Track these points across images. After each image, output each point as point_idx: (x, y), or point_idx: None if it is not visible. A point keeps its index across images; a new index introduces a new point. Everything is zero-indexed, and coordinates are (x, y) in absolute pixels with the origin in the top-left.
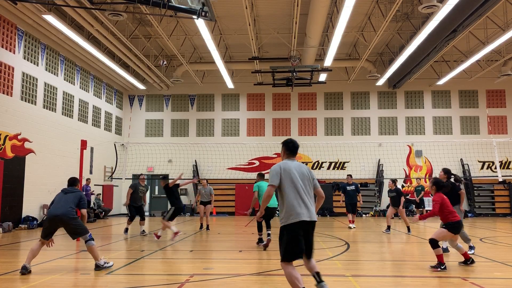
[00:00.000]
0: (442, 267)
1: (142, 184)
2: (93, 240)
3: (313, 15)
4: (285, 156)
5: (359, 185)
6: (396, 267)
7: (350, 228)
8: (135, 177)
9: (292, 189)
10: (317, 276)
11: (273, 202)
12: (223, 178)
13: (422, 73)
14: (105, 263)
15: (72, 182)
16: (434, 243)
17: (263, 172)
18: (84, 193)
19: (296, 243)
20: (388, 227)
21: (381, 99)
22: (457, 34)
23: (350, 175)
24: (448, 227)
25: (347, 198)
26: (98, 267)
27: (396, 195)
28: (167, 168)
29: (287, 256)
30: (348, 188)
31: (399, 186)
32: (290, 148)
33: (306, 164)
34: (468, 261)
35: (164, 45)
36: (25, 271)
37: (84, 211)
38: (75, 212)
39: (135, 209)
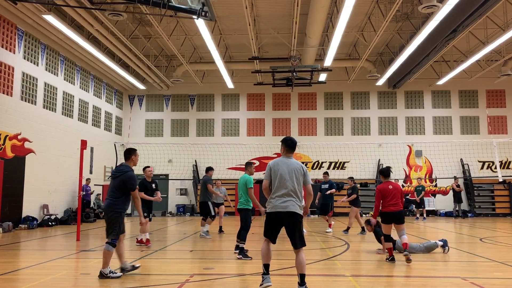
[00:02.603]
0: (389, 259)
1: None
2: (112, 246)
3: (313, 15)
4: (284, 153)
5: (335, 183)
6: (396, 267)
7: (326, 232)
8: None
9: (276, 183)
10: (300, 278)
11: None
12: (223, 178)
13: (422, 73)
14: (110, 272)
15: (125, 154)
16: (385, 237)
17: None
18: (129, 176)
19: (269, 229)
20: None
21: (381, 99)
22: (457, 34)
23: (327, 173)
24: (381, 218)
25: (320, 198)
26: (101, 275)
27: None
28: (167, 168)
29: (265, 234)
30: (322, 186)
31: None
32: (289, 145)
33: (306, 164)
34: (388, 258)
35: (164, 45)
36: (127, 271)
37: (134, 193)
38: (117, 203)
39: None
